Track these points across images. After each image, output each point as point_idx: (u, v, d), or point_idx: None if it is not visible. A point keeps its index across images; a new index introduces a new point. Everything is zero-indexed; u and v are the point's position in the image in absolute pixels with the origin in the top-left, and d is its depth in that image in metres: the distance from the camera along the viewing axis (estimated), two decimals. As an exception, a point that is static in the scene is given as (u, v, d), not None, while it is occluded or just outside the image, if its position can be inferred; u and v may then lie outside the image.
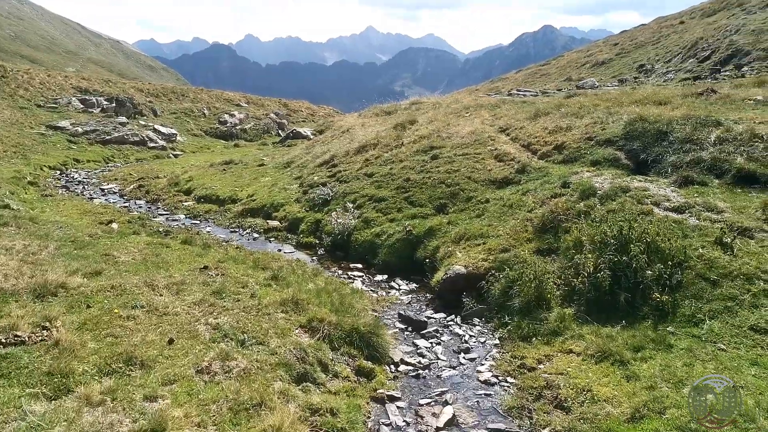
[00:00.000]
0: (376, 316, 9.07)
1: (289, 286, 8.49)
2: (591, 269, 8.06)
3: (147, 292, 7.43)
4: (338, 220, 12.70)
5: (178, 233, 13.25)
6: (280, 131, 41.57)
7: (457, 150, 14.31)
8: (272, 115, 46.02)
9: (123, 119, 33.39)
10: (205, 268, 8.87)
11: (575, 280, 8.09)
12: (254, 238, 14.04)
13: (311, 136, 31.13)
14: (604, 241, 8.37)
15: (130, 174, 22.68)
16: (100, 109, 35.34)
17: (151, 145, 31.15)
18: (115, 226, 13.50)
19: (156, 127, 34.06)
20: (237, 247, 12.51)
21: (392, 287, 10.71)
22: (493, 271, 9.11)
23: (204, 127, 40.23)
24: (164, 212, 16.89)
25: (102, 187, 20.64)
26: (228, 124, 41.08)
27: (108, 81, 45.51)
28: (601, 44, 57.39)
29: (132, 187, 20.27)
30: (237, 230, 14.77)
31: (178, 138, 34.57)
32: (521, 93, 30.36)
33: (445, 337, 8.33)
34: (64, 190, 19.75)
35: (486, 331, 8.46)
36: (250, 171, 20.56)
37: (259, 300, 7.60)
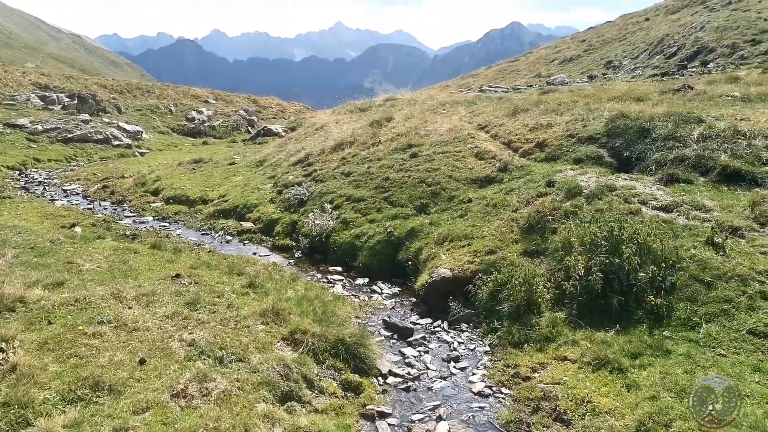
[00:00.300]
0: (359, 323, 8.69)
1: (267, 294, 8.03)
2: (582, 272, 7.80)
3: (114, 304, 6.88)
4: (315, 222, 12.25)
5: (147, 237, 12.62)
6: (249, 128, 40.73)
7: (436, 148, 13.97)
8: (241, 111, 45.10)
9: (85, 116, 32.16)
10: (177, 276, 8.34)
11: (566, 283, 7.82)
12: (227, 241, 13.47)
13: (283, 134, 30.44)
14: (594, 243, 8.13)
15: (94, 174, 21.74)
16: (61, 106, 33.97)
17: (116, 143, 30.05)
18: (78, 230, 12.79)
19: (120, 124, 32.91)
20: (209, 251, 11.96)
21: (374, 291, 10.32)
22: (480, 275, 8.78)
23: (171, 124, 39.12)
24: (131, 214, 16.17)
25: (64, 187, 19.71)
26: (196, 121, 40.06)
27: (69, 77, 43.91)
28: (568, 41, 58.01)
29: (96, 187, 19.41)
30: (209, 232, 14.17)
31: (144, 135, 33.47)
32: (493, 89, 30.25)
33: (432, 345, 7.98)
34: (24, 191, 18.76)
35: (475, 337, 8.14)
36: (221, 170, 19.90)
37: (237, 311, 7.13)
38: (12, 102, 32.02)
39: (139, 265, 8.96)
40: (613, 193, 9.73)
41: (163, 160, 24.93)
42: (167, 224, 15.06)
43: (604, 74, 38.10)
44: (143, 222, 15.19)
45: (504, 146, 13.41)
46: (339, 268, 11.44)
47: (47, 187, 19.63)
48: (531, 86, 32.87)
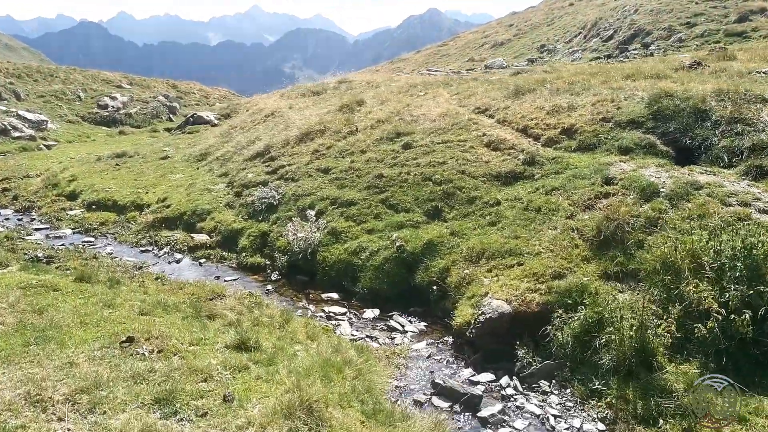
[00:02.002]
0: (398, 387, 6.17)
1: (273, 363, 5.33)
2: (717, 307, 5.63)
3: (33, 418, 3.98)
4: (298, 234, 9.49)
5: (68, 260, 9.52)
6: (171, 116, 36.67)
7: (433, 137, 11.50)
8: (161, 97, 40.56)
9: (-24, 104, 27.20)
10: (130, 340, 5.45)
11: (699, 325, 5.61)
12: (177, 260, 10.45)
13: (216, 121, 26.92)
14: (717, 264, 6.01)
15: (-10, 173, 17.69)
16: (-57, 91, 28.65)
17: (16, 134, 25.48)
18: (-32, 255, 9.40)
19: (20, 113, 28.13)
20: (157, 277, 9.00)
21: (393, 329, 7.78)
22: (559, 311, 6.44)
23: (81, 112, 34.33)
24: (42, 226, 12.65)
25: (-51, 192, 15.70)
26: (110, 109, 35.41)
27: (-46, 59, 37.80)
28: (495, 25, 57.34)
29: (-8, 191, 15.58)
30: (150, 249, 11.05)
31: (50, 125, 28.85)
32: (432, 72, 28.27)
33: (519, 423, 5.57)
34: None
35: (571, 405, 5.80)
36: (153, 166, 16.52)
37: (244, 410, 4.40)
38: None
39: (64, 317, 5.98)
40: (701, 192, 7.67)
41: (77, 154, 20.99)
42: (92, 239, 11.75)
43: (541, 57, 37.09)
44: (60, 237, 11.80)
45: (519, 133, 11.12)
46: (334, 295, 8.81)
47: (-74, 192, 15.53)
48: (472, 69, 31.30)
